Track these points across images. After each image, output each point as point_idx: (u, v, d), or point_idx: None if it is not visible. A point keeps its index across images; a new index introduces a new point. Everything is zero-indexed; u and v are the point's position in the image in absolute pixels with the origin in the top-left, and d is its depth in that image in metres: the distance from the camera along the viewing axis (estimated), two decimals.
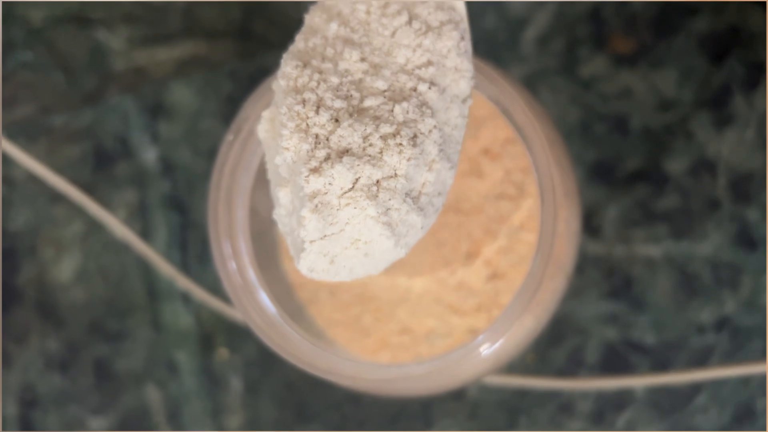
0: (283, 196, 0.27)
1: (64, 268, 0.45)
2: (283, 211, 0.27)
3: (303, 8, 0.43)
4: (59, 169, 0.44)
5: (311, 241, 0.26)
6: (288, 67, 0.27)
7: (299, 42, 0.28)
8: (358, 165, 0.25)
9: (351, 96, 0.26)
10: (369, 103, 0.26)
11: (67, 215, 0.45)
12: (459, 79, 0.28)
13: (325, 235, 0.26)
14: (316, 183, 0.25)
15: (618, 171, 0.42)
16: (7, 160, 0.45)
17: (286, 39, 0.44)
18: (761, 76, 0.41)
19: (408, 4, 0.27)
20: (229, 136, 0.32)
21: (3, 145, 0.44)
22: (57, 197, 0.45)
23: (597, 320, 0.42)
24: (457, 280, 0.35)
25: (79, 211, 0.45)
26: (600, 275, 0.42)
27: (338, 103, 0.26)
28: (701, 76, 0.42)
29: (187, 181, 0.44)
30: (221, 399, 0.44)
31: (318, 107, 0.26)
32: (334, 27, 0.27)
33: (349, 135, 0.26)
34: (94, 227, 0.44)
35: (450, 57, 0.27)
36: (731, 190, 0.42)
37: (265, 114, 0.28)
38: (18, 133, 0.45)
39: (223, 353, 0.44)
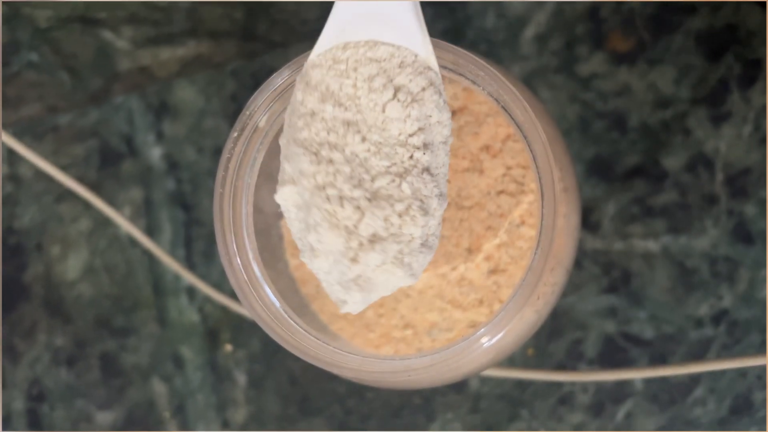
0: (323, 264, 0.31)
1: (71, 265, 0.45)
2: (320, 267, 0.31)
3: (305, 9, 0.44)
4: (65, 168, 0.44)
5: (355, 302, 0.31)
6: (304, 164, 0.30)
7: (303, 130, 0.30)
8: (386, 246, 0.30)
9: (363, 179, 0.29)
10: (379, 183, 0.29)
11: (73, 213, 0.45)
12: (442, 129, 0.30)
13: (365, 296, 0.31)
14: (356, 269, 0.30)
15: (617, 167, 0.42)
16: (14, 158, 0.45)
17: (289, 39, 0.44)
18: (758, 72, 0.42)
19: (390, 73, 0.30)
20: (234, 133, 0.32)
21: (10, 143, 0.44)
22: (63, 195, 0.45)
23: (596, 314, 0.42)
24: (458, 275, 0.35)
25: (85, 208, 0.45)
26: (599, 270, 0.42)
27: (356, 192, 0.29)
28: (699, 74, 0.42)
29: (191, 178, 0.44)
30: (226, 393, 0.44)
31: (341, 199, 0.29)
32: (330, 109, 0.30)
33: (373, 222, 0.29)
34: (100, 224, 0.45)
35: (433, 115, 0.30)
36: (729, 186, 0.42)
37: (286, 191, 0.31)
38: (25, 131, 0.45)
39: (227, 348, 0.44)
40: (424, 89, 0.30)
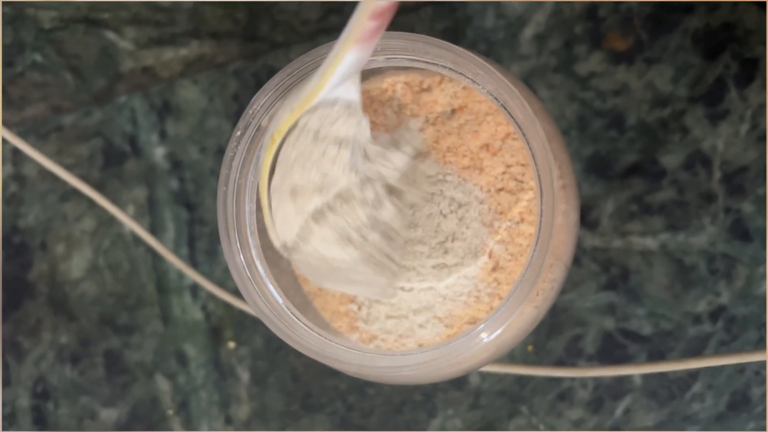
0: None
1: (75, 264, 0.45)
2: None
3: (306, 10, 0.44)
4: (69, 167, 0.45)
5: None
6: (350, 252, 0.31)
7: (324, 227, 0.31)
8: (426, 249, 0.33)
9: (389, 233, 0.32)
10: (385, 215, 0.32)
11: (77, 212, 0.45)
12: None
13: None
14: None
15: (615, 165, 0.42)
16: (19, 157, 0.45)
17: (290, 39, 0.44)
18: (755, 71, 0.42)
19: (333, 134, 0.31)
20: (237, 131, 0.32)
21: (15, 143, 0.44)
22: (67, 194, 0.45)
23: (595, 311, 0.42)
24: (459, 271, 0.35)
25: (89, 207, 0.45)
26: (598, 267, 0.43)
27: (395, 245, 0.32)
28: (696, 72, 0.42)
29: (194, 178, 0.44)
30: (229, 390, 0.44)
31: (391, 259, 0.32)
32: (317, 200, 0.31)
33: (413, 251, 0.33)
34: (104, 223, 0.45)
35: (369, 134, 0.31)
36: (726, 183, 0.42)
37: (302, 252, 0.32)
38: (29, 131, 0.45)
39: (230, 346, 0.44)
40: (359, 123, 0.31)
